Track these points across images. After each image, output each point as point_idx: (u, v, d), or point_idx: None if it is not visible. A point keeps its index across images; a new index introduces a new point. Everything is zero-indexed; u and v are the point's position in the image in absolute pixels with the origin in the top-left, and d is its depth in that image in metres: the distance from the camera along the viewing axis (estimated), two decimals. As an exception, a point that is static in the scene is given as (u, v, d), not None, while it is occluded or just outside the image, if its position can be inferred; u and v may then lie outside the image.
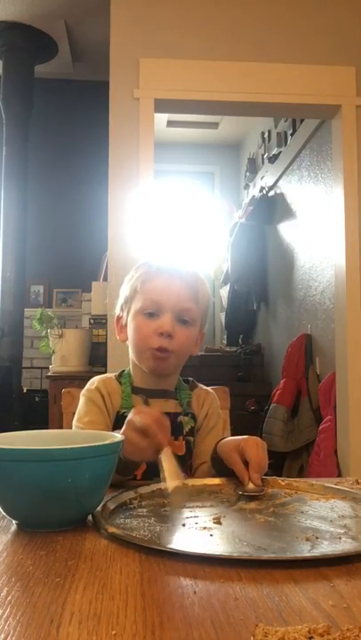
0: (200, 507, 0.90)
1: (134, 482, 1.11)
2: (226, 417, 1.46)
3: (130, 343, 1.25)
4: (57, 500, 0.77)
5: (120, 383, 1.26)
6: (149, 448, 0.95)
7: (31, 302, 4.57)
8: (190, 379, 1.33)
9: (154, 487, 0.97)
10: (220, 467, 1.08)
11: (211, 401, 1.31)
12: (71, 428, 1.39)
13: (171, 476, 0.93)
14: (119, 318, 1.29)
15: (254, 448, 1.03)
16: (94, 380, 1.27)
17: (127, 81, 3.07)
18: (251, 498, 0.94)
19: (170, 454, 0.95)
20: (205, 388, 1.34)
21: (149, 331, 1.18)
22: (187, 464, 1.22)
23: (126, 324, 1.26)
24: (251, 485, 0.97)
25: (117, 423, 1.20)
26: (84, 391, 1.26)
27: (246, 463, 1.02)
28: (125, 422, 0.97)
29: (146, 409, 1.00)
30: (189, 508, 0.89)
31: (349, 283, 3.07)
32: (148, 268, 1.24)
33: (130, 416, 0.98)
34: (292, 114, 3.97)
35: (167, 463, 0.94)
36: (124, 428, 0.97)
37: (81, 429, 1.18)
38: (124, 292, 1.27)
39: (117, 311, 1.30)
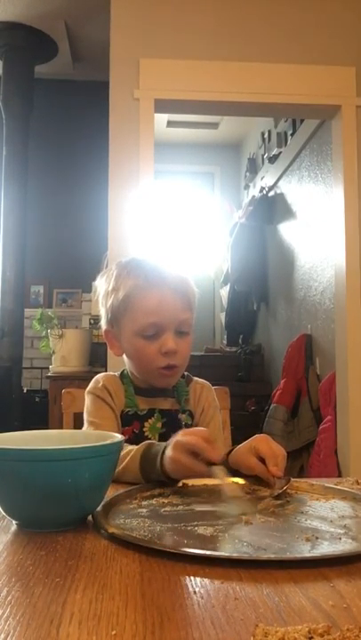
0: (200, 507, 0.90)
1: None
2: (226, 417, 1.46)
3: (130, 360, 1.23)
4: (57, 500, 0.77)
5: (123, 383, 1.26)
6: (200, 467, 0.94)
7: (31, 302, 4.57)
8: (186, 373, 1.32)
9: (154, 492, 0.97)
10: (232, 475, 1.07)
11: (206, 395, 1.31)
12: (71, 428, 1.39)
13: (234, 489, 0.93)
14: (108, 332, 1.25)
15: (265, 443, 1.02)
16: (99, 379, 1.25)
17: (127, 81, 3.07)
18: (279, 496, 0.94)
19: (223, 469, 0.95)
20: (201, 381, 1.34)
21: (153, 351, 1.16)
22: None
23: (117, 337, 1.23)
24: (278, 484, 0.97)
25: (123, 421, 1.20)
26: (90, 389, 1.24)
27: (263, 461, 1.01)
28: (173, 445, 0.95)
29: (192, 429, 0.99)
30: (189, 507, 0.89)
31: (349, 283, 3.07)
32: (134, 282, 1.17)
33: (177, 438, 0.96)
34: (292, 114, 3.98)
35: (225, 476, 0.94)
36: (172, 451, 0.95)
37: (96, 424, 1.17)
38: (110, 306, 1.21)
39: (104, 325, 1.25)
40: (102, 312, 1.25)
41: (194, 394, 1.29)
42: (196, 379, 1.34)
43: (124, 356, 1.25)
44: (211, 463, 0.94)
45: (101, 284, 1.26)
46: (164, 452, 0.97)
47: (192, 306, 1.22)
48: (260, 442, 1.02)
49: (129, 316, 1.18)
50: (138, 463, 1.00)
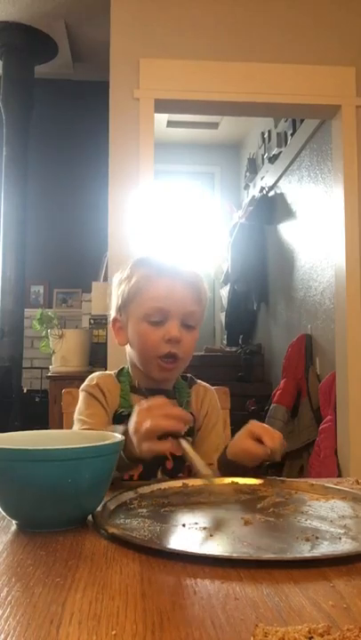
0: (200, 507, 0.90)
1: (134, 482, 1.11)
2: (226, 417, 1.46)
3: (133, 348, 1.23)
4: (57, 500, 0.77)
5: (119, 382, 1.25)
6: (165, 445, 0.95)
7: (31, 302, 4.57)
8: (189, 375, 1.31)
9: (154, 487, 0.97)
10: (230, 470, 1.08)
11: (210, 398, 1.30)
12: (71, 428, 1.39)
13: (201, 463, 0.94)
14: (116, 321, 1.25)
15: (260, 426, 1.06)
16: (93, 377, 1.26)
17: (127, 81, 3.07)
18: (276, 464, 0.97)
19: (187, 443, 0.95)
20: (204, 384, 1.33)
21: (157, 338, 1.16)
22: (184, 465, 1.21)
23: (124, 327, 1.23)
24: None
25: (115, 422, 1.20)
26: (83, 387, 1.24)
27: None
28: (134, 431, 0.95)
29: (143, 407, 0.97)
30: (189, 507, 0.89)
31: (349, 283, 3.07)
32: (147, 270, 1.19)
33: (133, 425, 0.95)
34: (292, 114, 3.97)
35: (191, 450, 0.94)
36: (137, 439, 0.94)
37: (83, 422, 1.17)
38: (121, 293, 1.22)
39: (113, 313, 1.25)
40: (113, 300, 1.26)
41: (196, 396, 1.28)
42: (199, 381, 1.33)
43: (128, 346, 1.25)
44: (176, 435, 0.95)
45: (116, 276, 1.27)
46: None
47: (202, 302, 1.21)
48: (255, 425, 1.06)
49: (138, 302, 1.18)
50: None
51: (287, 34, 3.17)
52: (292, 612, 0.54)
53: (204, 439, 1.25)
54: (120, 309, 1.23)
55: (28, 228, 4.15)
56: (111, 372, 1.29)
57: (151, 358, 1.17)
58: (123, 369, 1.28)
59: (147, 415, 0.95)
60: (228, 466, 1.08)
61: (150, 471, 1.15)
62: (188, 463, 0.94)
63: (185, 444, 0.93)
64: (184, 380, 1.30)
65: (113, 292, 1.26)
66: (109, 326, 1.29)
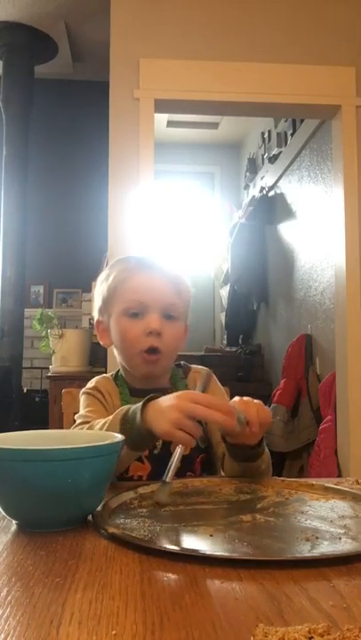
0: (200, 507, 0.90)
1: (134, 482, 1.11)
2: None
3: (117, 347, 1.22)
4: (57, 500, 0.77)
5: (117, 385, 1.25)
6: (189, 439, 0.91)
7: (31, 302, 4.58)
8: (182, 362, 1.29)
9: (154, 487, 0.97)
10: (230, 452, 1.06)
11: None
12: (71, 428, 1.39)
13: (172, 473, 0.91)
14: (99, 322, 1.24)
15: (240, 400, 1.02)
16: (93, 381, 1.26)
17: (127, 81, 3.07)
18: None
19: (181, 449, 0.93)
20: (199, 368, 1.30)
21: (137, 332, 1.14)
22: (194, 462, 1.20)
23: (108, 328, 1.22)
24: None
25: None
26: (83, 390, 1.25)
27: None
28: (175, 407, 0.89)
29: (189, 393, 0.94)
30: (189, 507, 0.89)
31: (349, 283, 3.07)
32: (125, 266, 1.20)
33: (180, 402, 0.90)
34: (291, 114, 3.97)
35: (178, 459, 0.92)
36: (173, 413, 0.89)
37: (84, 417, 1.16)
38: (101, 293, 1.22)
39: (96, 315, 1.25)
40: (95, 302, 1.25)
41: (193, 385, 1.26)
42: (194, 367, 1.30)
43: (113, 347, 1.24)
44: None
45: (98, 279, 1.27)
46: (144, 409, 0.95)
47: (182, 295, 1.20)
48: (234, 401, 1.02)
49: (117, 298, 1.18)
50: (118, 427, 0.97)
51: (287, 34, 3.17)
52: (292, 612, 0.54)
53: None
54: (101, 310, 1.23)
55: (28, 227, 4.15)
56: (108, 374, 1.29)
57: (134, 354, 1.16)
58: (118, 372, 1.28)
59: (188, 406, 0.90)
60: (228, 447, 1.06)
61: (159, 472, 1.14)
62: (170, 464, 0.91)
63: (179, 449, 0.92)
64: (179, 367, 1.28)
65: (95, 295, 1.26)
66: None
